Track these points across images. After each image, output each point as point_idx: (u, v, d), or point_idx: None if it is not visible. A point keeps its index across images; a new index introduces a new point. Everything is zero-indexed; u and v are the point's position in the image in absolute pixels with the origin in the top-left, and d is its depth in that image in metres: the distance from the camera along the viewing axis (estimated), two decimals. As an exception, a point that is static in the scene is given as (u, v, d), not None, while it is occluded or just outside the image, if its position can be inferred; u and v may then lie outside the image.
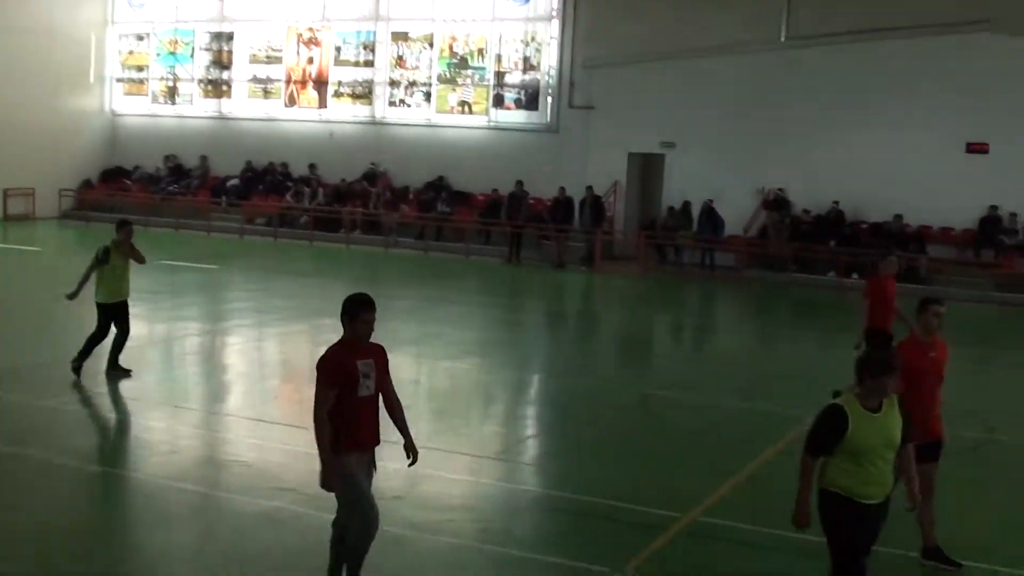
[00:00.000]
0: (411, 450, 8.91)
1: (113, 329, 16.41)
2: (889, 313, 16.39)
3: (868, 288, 16.76)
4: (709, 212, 35.34)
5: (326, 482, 8.52)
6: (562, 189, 36.72)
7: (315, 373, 8.45)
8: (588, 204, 36.14)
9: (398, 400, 8.95)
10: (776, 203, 35.32)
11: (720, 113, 36.28)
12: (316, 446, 8.42)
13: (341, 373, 8.42)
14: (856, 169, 34.64)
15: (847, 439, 7.98)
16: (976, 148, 34.03)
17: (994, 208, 33.62)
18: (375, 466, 8.88)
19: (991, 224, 33.68)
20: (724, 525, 11.15)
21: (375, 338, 8.57)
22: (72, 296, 16.37)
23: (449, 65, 41.24)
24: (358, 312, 8.54)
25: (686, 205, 35.90)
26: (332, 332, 8.94)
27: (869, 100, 34.64)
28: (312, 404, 8.41)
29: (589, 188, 36.34)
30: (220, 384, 17.18)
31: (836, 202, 34.82)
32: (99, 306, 16.33)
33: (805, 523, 8.28)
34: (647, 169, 38.67)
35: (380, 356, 8.74)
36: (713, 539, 10.79)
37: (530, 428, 15.44)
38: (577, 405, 16.76)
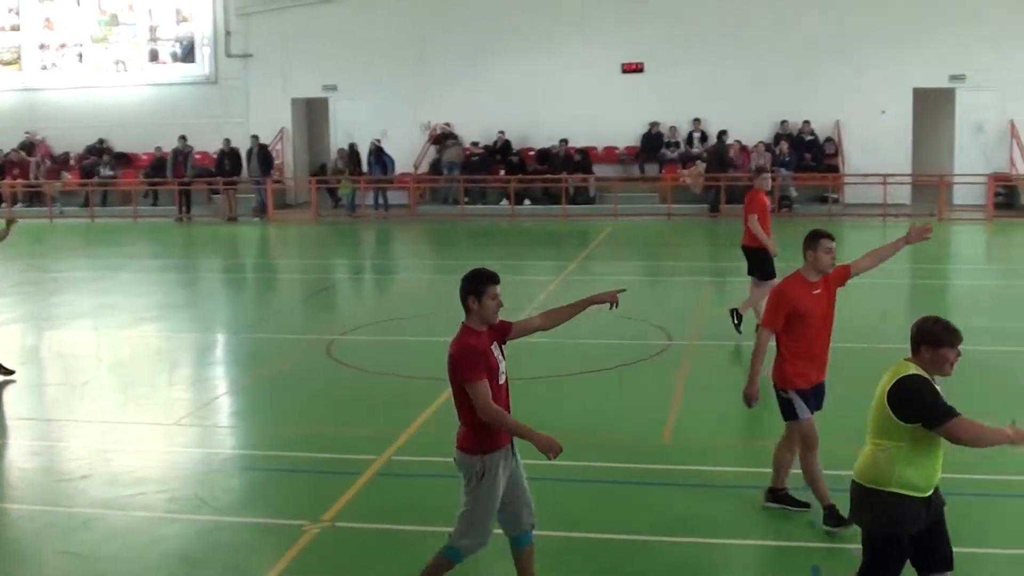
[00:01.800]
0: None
1: None
2: (767, 228, 16.56)
3: (749, 204, 16.71)
4: (377, 152, 35.39)
5: (548, 443, 7.32)
6: (227, 141, 36.10)
7: (450, 372, 7.49)
8: (255, 154, 35.66)
9: (544, 313, 8.47)
10: (443, 137, 35.66)
11: (380, 52, 36.37)
12: (512, 430, 7.47)
13: (484, 361, 7.42)
14: (519, 97, 35.36)
15: None
16: (631, 68, 35.21)
17: (654, 124, 34.91)
18: (516, 455, 7.86)
19: (652, 140, 34.97)
20: (418, 461, 11.31)
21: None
22: None
23: (100, 23, 39.81)
24: (486, 288, 7.50)
25: (353, 147, 35.81)
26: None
27: (526, 28, 35.37)
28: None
29: (255, 137, 35.85)
30: None
31: (502, 132, 35.43)
32: None
33: None
34: (312, 114, 38.51)
35: (499, 333, 7.77)
36: (409, 476, 10.93)
37: (217, 389, 15.20)
38: (263, 360, 16.61)
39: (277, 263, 29.24)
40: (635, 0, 34.91)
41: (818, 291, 9.24)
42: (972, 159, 34.40)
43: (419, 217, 34.43)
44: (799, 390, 9.15)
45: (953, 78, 34.29)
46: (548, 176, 34.48)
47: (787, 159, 33.34)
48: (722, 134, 34.23)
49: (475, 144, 35.58)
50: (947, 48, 33.89)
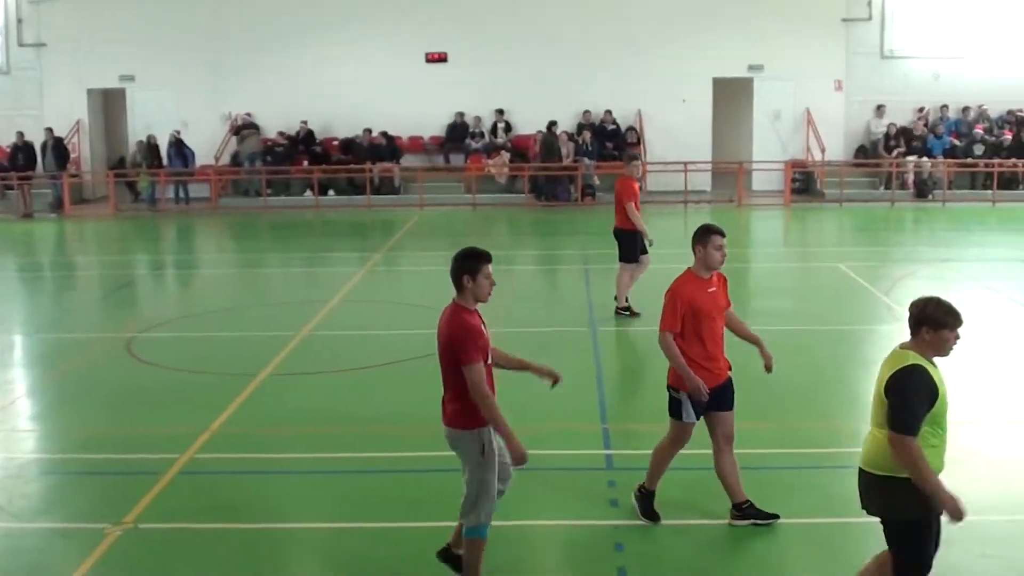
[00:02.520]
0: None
1: None
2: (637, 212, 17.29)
3: (623, 192, 17.27)
4: (177, 144, 34.72)
5: (522, 455, 7.53)
6: (20, 134, 34.95)
7: (444, 350, 7.70)
8: (50, 147, 34.61)
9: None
10: (243, 128, 35.13)
11: (179, 41, 35.65)
12: (495, 423, 7.53)
13: (481, 341, 7.62)
14: (321, 86, 35.07)
15: (936, 406, 6.60)
16: (435, 58, 35.22)
17: (460, 114, 34.98)
18: None
19: (457, 130, 35.05)
20: (221, 459, 11.12)
21: None
22: None
23: None
24: (480, 266, 7.70)
25: (151, 139, 35.02)
26: None
27: (328, 16, 35.09)
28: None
29: (49, 130, 34.80)
30: None
31: (304, 121, 35.08)
32: None
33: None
34: (109, 105, 37.57)
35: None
36: (212, 475, 10.72)
37: (14, 392, 14.64)
38: (61, 360, 16.11)
39: (75, 260, 28.41)
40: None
41: (713, 289, 8.97)
42: (770, 146, 35.43)
43: (221, 210, 33.88)
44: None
45: (751, 68, 35.21)
46: (352, 166, 34.25)
47: (590, 148, 33.72)
48: (552, 124, 34.41)
49: (281, 134, 35.12)
50: (745, 39, 34.83)
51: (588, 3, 34.98)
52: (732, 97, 35.68)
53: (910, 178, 34.18)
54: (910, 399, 6.50)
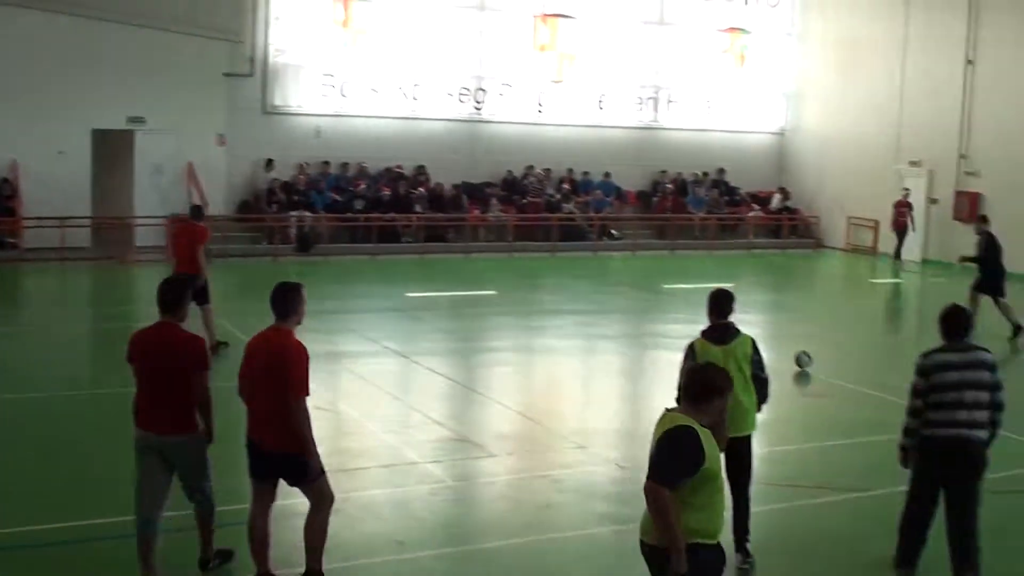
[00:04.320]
0: None
1: None
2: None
3: (199, 238, 18.86)
4: None
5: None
6: None
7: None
8: None
9: None
10: None
11: None
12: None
13: None
14: None
15: (703, 468, 6.56)
16: None
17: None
18: None
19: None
20: None
21: None
22: None
23: None
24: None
25: None
26: None
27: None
28: None
29: None
30: None
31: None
32: None
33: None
34: None
35: None
36: None
37: None
38: None
39: None
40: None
41: None
42: (151, 201, 34.74)
43: None
44: None
45: (132, 120, 34.47)
46: None
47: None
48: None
49: None
50: (125, 90, 34.06)
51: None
52: (113, 150, 34.76)
53: (293, 232, 34.79)
54: (673, 455, 6.56)
